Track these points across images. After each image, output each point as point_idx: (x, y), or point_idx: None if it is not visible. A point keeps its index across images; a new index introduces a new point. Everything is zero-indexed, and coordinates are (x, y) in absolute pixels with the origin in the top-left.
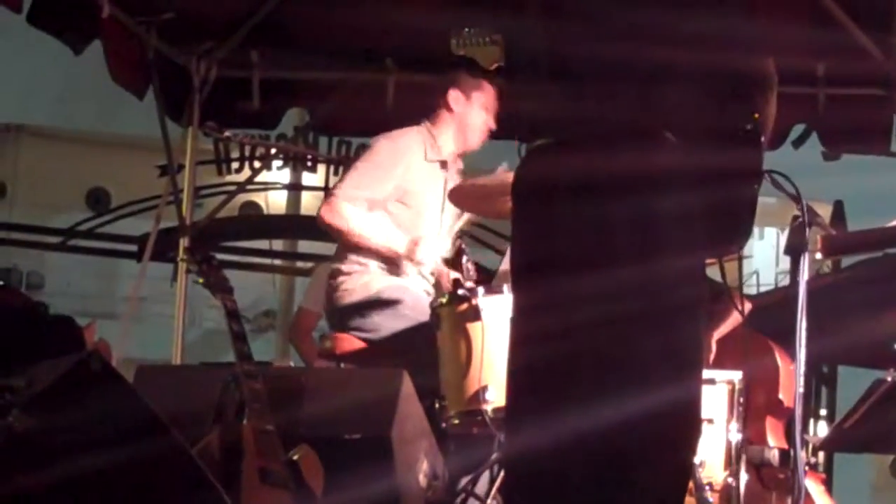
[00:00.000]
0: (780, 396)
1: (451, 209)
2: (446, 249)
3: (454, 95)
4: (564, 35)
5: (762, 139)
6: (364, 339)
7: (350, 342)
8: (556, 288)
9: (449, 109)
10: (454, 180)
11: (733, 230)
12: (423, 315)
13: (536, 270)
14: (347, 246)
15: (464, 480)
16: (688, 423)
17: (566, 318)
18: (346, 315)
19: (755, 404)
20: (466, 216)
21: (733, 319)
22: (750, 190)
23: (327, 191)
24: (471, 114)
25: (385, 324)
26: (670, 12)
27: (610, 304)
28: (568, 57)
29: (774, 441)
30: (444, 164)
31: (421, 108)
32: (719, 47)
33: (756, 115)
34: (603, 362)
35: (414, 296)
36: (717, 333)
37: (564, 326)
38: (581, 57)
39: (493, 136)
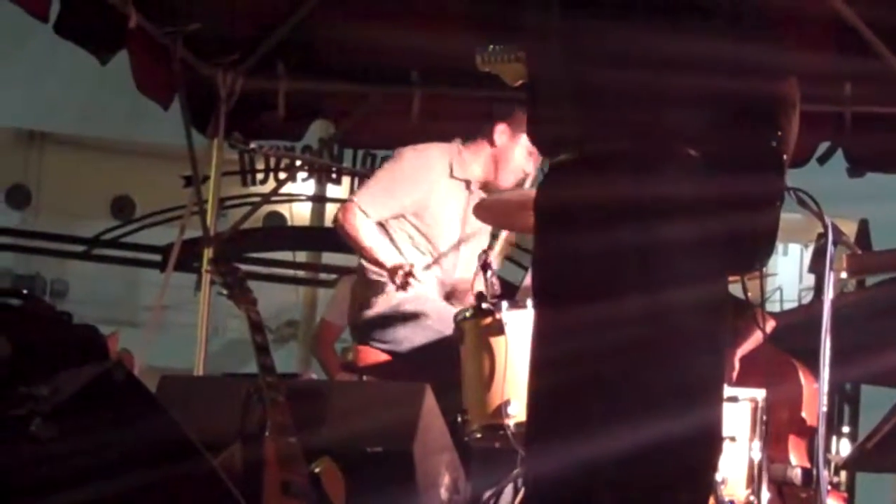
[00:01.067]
0: (803, 415)
1: (481, 229)
2: (469, 269)
3: (501, 128)
4: (583, 57)
5: (784, 160)
6: (387, 352)
7: (373, 355)
8: (576, 312)
9: (491, 142)
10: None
11: (754, 252)
12: (447, 327)
13: (557, 294)
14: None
15: (486, 495)
16: (707, 447)
17: (585, 342)
18: (368, 327)
19: (778, 422)
20: (503, 237)
21: (756, 337)
22: (772, 211)
23: (347, 200)
24: (512, 152)
25: (408, 336)
26: (690, 34)
27: (629, 330)
28: (588, 80)
29: (797, 460)
30: (468, 185)
31: (447, 121)
32: (740, 69)
33: (779, 135)
34: (622, 387)
35: (436, 307)
36: (741, 351)
37: (583, 351)
38: (601, 80)
39: None
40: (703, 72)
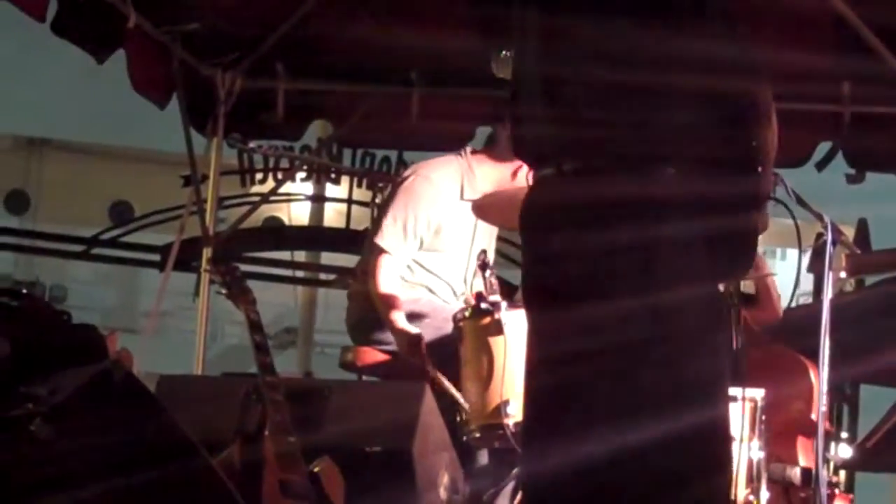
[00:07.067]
0: (813, 416)
1: (480, 242)
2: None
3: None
4: (562, 60)
5: (759, 166)
6: (386, 352)
7: (372, 354)
8: (563, 315)
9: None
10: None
11: (735, 257)
12: (445, 325)
13: (544, 297)
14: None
15: (486, 495)
16: (708, 447)
17: (575, 344)
18: (367, 327)
19: (788, 422)
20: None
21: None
22: (749, 216)
23: (372, 244)
24: None
25: None
26: (664, 38)
27: (617, 332)
28: (565, 82)
29: (805, 460)
30: None
31: (446, 121)
32: (714, 73)
33: (753, 143)
34: (612, 390)
35: (434, 306)
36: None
37: (574, 352)
38: (578, 83)
39: None
40: (680, 76)
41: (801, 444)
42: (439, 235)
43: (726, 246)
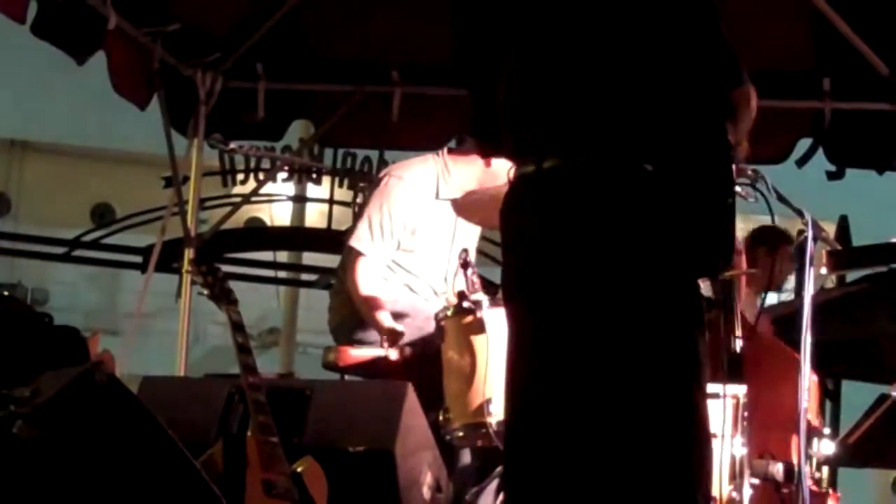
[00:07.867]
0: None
1: (462, 241)
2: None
3: None
4: (541, 59)
5: (732, 160)
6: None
7: (355, 354)
8: (543, 311)
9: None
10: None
11: (714, 253)
12: (426, 325)
13: (524, 293)
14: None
15: (469, 494)
16: (689, 439)
17: (555, 340)
18: (349, 328)
19: (779, 417)
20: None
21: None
22: (725, 208)
23: (349, 248)
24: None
25: None
26: (643, 38)
27: (596, 328)
28: (544, 81)
29: (796, 456)
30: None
31: (427, 120)
32: (691, 71)
33: (728, 138)
34: (593, 386)
35: (415, 305)
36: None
37: (554, 348)
38: (556, 81)
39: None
40: (655, 71)
41: (796, 442)
42: (416, 235)
43: (705, 241)
